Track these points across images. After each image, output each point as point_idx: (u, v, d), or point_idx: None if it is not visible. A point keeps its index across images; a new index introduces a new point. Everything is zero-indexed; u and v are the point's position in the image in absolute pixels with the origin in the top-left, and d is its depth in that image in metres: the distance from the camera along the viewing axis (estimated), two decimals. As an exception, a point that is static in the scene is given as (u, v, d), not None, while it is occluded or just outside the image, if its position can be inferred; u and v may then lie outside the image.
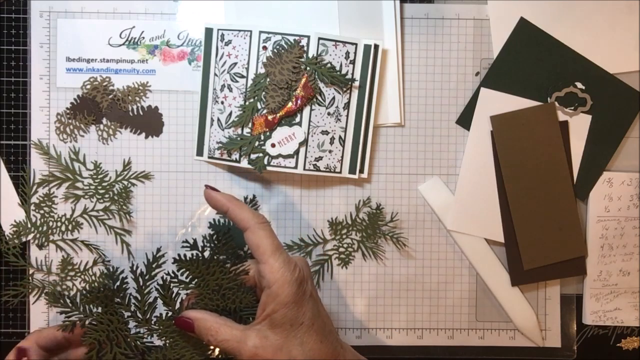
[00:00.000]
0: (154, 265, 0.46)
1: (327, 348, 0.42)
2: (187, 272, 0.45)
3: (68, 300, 0.44)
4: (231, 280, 0.45)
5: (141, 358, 0.45)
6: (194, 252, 0.45)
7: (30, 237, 0.55)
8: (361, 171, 0.56)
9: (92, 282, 0.55)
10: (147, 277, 0.45)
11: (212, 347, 0.45)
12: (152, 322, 0.45)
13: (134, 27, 0.55)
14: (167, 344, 0.45)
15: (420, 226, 0.57)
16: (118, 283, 0.45)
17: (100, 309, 0.44)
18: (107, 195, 0.55)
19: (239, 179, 0.57)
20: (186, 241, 0.46)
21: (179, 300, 0.46)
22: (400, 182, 0.57)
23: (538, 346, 0.58)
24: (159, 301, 0.45)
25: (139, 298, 0.45)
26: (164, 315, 0.45)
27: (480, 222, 0.56)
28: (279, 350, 0.40)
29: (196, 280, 0.45)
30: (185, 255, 0.45)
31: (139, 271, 0.45)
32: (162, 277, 0.45)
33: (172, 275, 0.45)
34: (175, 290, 0.45)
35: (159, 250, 0.46)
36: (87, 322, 0.44)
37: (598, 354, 0.59)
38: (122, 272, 0.46)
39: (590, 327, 0.58)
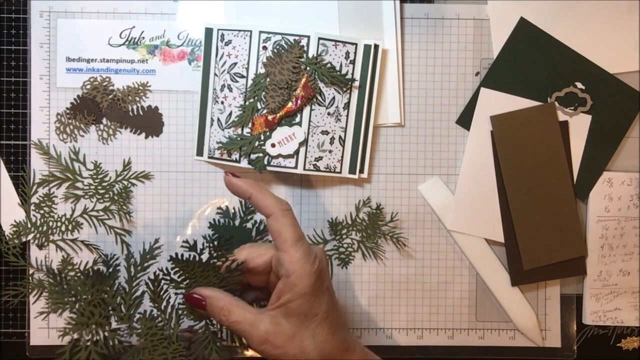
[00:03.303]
0: (148, 257, 0.44)
1: (338, 342, 0.42)
2: (181, 272, 0.44)
3: (64, 282, 0.42)
4: (226, 284, 0.44)
5: (116, 358, 0.43)
6: (192, 253, 0.44)
7: (30, 237, 0.55)
8: (361, 171, 0.56)
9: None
10: (139, 268, 0.44)
11: (190, 355, 0.44)
12: (135, 319, 0.44)
13: (134, 27, 0.55)
14: (145, 347, 0.43)
15: (420, 226, 0.57)
16: (111, 270, 0.44)
17: (89, 296, 0.42)
18: (107, 195, 0.55)
19: (239, 179, 0.57)
20: (186, 241, 0.45)
21: (166, 298, 0.45)
22: (400, 182, 0.57)
23: (538, 346, 0.58)
24: (146, 297, 0.44)
25: (127, 290, 0.44)
26: (147, 313, 0.44)
27: (480, 222, 0.56)
28: (290, 338, 0.40)
29: (188, 281, 0.44)
30: (182, 255, 0.44)
31: (132, 260, 0.44)
32: (154, 272, 0.44)
33: (165, 272, 0.44)
34: (165, 287, 0.44)
35: (157, 240, 0.45)
36: (75, 307, 0.42)
37: (598, 354, 0.59)
38: (117, 258, 0.45)
39: (590, 327, 0.58)
